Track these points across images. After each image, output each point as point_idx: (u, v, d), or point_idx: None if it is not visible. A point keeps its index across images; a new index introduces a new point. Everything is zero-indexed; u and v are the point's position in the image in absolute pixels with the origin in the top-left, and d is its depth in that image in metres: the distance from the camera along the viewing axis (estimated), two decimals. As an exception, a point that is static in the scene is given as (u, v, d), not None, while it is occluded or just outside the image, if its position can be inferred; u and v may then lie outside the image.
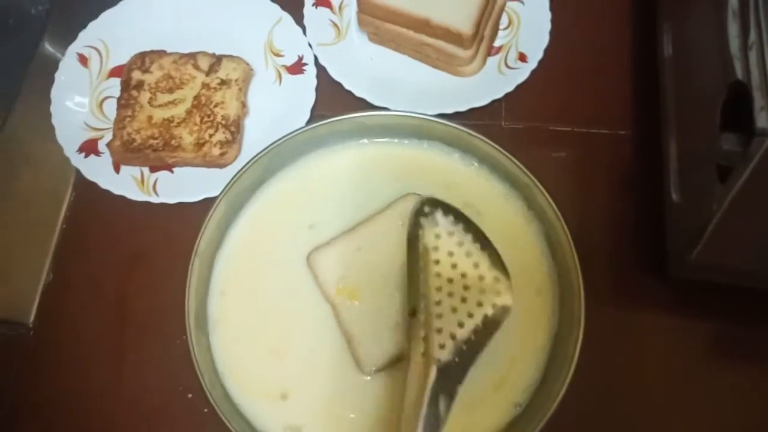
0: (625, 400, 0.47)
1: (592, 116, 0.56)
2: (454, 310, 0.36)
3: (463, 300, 0.37)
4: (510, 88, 0.55)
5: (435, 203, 0.40)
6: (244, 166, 0.48)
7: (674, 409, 0.47)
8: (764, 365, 0.49)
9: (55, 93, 0.55)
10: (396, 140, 0.52)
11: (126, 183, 0.51)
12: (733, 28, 0.40)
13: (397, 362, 0.44)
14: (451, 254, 0.39)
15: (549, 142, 0.56)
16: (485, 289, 0.38)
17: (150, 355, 0.49)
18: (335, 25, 0.59)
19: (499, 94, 0.55)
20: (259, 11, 0.59)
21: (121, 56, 0.56)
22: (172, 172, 0.53)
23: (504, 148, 0.49)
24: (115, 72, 0.56)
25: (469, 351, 0.36)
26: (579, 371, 0.41)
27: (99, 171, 0.52)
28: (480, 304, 0.37)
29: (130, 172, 0.52)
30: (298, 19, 0.59)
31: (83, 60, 0.56)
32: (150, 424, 0.47)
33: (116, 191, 0.51)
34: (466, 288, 0.38)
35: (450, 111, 0.54)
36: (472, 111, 0.55)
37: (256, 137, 0.54)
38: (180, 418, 0.47)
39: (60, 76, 0.55)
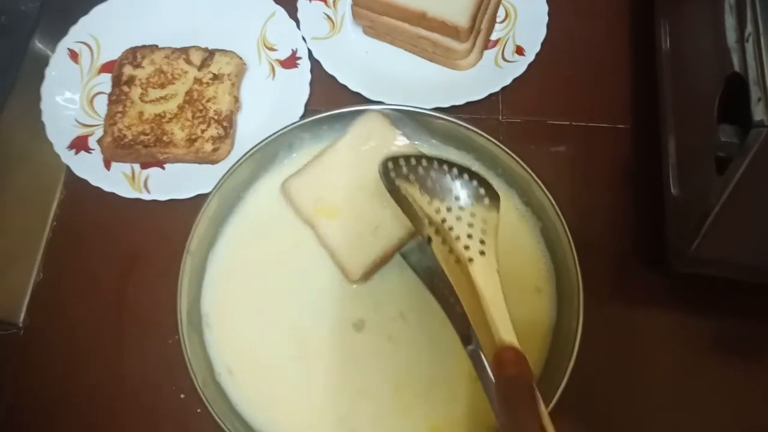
0: (626, 395, 0.47)
1: (590, 110, 0.56)
2: (458, 218, 0.39)
3: (460, 208, 0.40)
4: (507, 81, 0.55)
5: (395, 159, 0.41)
6: (237, 162, 0.47)
7: (675, 403, 0.47)
8: (765, 360, 0.49)
9: (45, 89, 0.54)
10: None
11: (117, 180, 0.51)
12: (729, 21, 0.39)
13: (383, 264, 0.47)
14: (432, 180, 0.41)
15: (547, 136, 0.55)
16: (474, 196, 0.40)
17: (144, 354, 0.48)
18: (329, 18, 0.58)
19: (496, 88, 0.54)
20: (253, 5, 0.58)
21: (113, 51, 0.55)
22: (164, 168, 0.52)
23: (501, 142, 0.49)
24: (106, 67, 0.55)
25: (489, 241, 0.38)
26: (580, 365, 0.41)
27: (89, 168, 0.51)
28: (473, 215, 0.40)
29: (121, 168, 0.51)
30: (292, 12, 0.58)
31: (74, 56, 0.55)
32: (146, 422, 0.46)
33: (107, 188, 0.50)
34: (456, 198, 0.40)
35: (446, 105, 0.53)
36: (469, 105, 0.54)
37: (249, 132, 0.53)
38: (174, 417, 0.46)
39: (50, 72, 0.54)
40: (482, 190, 0.40)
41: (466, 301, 0.37)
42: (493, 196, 0.40)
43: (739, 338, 0.49)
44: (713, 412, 0.47)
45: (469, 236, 0.38)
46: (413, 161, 0.41)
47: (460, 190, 0.40)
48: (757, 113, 0.34)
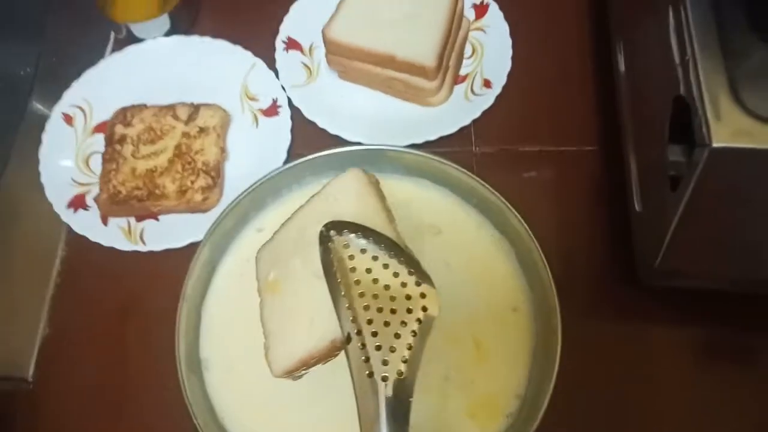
0: (611, 409, 0.49)
1: (559, 134, 0.59)
2: (386, 323, 0.37)
3: (393, 311, 0.37)
4: (477, 114, 0.58)
5: (338, 225, 0.40)
6: (225, 209, 0.50)
7: (660, 414, 0.49)
8: (745, 367, 0.50)
9: (42, 153, 0.57)
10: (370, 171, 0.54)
11: (114, 234, 0.53)
12: (674, 45, 0.42)
13: (314, 365, 0.42)
14: (369, 270, 0.39)
15: (519, 163, 0.58)
16: (411, 296, 0.38)
17: (148, 400, 0.50)
18: (306, 66, 0.62)
19: (467, 121, 0.57)
20: (234, 59, 0.61)
21: (104, 113, 0.59)
22: (158, 219, 0.55)
23: (475, 172, 0.51)
24: (99, 128, 0.59)
25: (413, 359, 0.36)
26: (564, 381, 0.42)
27: (88, 225, 0.54)
28: (410, 311, 0.38)
29: (117, 223, 0.54)
30: (271, 63, 0.61)
31: (68, 119, 0.59)
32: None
33: (105, 243, 0.53)
34: (392, 299, 0.38)
35: (420, 141, 0.56)
36: (443, 139, 0.57)
37: (237, 179, 0.56)
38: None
39: (46, 137, 0.58)
40: (420, 290, 0.38)
41: (363, 410, 0.35)
42: (431, 299, 0.38)
43: (720, 347, 0.51)
44: (700, 422, 0.48)
45: (392, 349, 0.36)
46: (360, 235, 0.39)
47: (398, 288, 0.38)
48: (699, 133, 0.37)
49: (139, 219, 0.55)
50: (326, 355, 0.41)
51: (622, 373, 0.50)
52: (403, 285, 0.38)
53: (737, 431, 0.49)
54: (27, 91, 0.65)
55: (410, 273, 0.39)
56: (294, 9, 0.63)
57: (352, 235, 0.40)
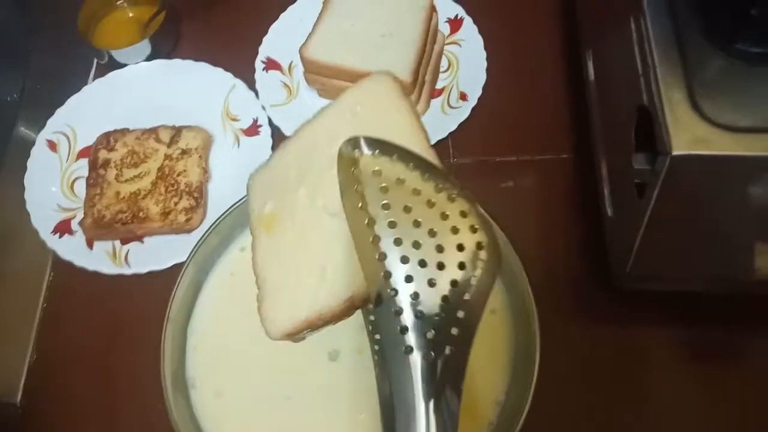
0: (593, 413, 0.49)
1: (534, 143, 0.60)
2: (431, 283, 0.27)
3: (441, 266, 0.27)
4: (453, 127, 0.59)
5: (366, 143, 0.28)
6: (207, 230, 0.51)
7: (643, 416, 0.49)
8: (725, 366, 0.51)
9: (28, 180, 0.58)
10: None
11: (99, 258, 0.54)
12: (637, 56, 0.43)
13: (322, 327, 0.32)
14: (408, 209, 0.28)
15: (497, 173, 0.59)
16: (463, 244, 0.28)
17: (136, 421, 0.51)
18: (286, 85, 0.63)
19: (444, 134, 0.59)
20: (214, 80, 0.63)
21: (88, 138, 0.60)
22: (143, 242, 0.56)
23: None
24: (83, 153, 0.60)
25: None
26: (544, 387, 0.42)
27: (73, 250, 0.54)
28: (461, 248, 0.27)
29: (103, 246, 0.55)
30: (251, 83, 0.62)
31: (52, 146, 0.60)
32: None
33: (91, 267, 0.54)
34: (442, 215, 0.28)
35: (399, 155, 0.57)
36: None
37: (219, 199, 0.57)
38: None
39: (31, 164, 0.59)
40: (483, 253, 0.28)
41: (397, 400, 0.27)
42: (493, 257, 0.28)
43: (700, 347, 0.52)
44: (681, 422, 0.49)
45: (436, 329, 0.26)
46: (396, 158, 0.28)
47: (452, 247, 0.27)
48: (660, 142, 0.38)
49: (124, 242, 0.55)
50: (340, 316, 0.31)
51: (602, 376, 0.51)
52: (454, 230, 0.28)
53: (719, 430, 0.49)
54: (12, 118, 0.66)
55: (463, 215, 0.28)
56: (273, 29, 0.65)
57: (385, 157, 0.28)
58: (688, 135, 0.37)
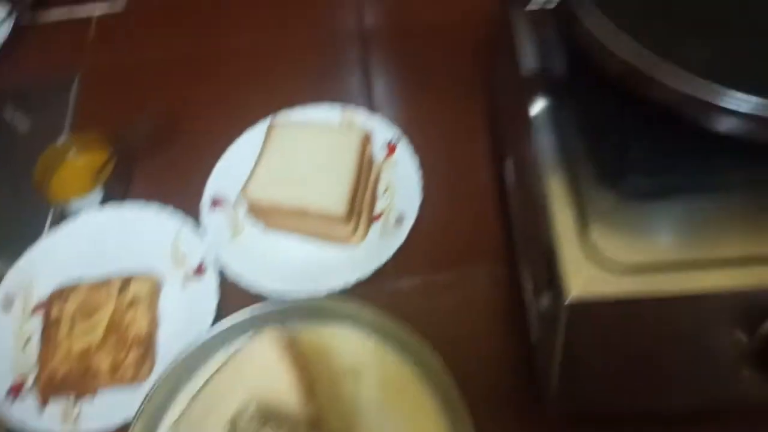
0: None
1: (472, 259, 0.61)
2: None
3: None
4: (392, 251, 0.61)
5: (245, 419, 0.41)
6: (153, 386, 0.52)
7: None
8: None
9: (-19, 344, 0.59)
10: (291, 324, 0.56)
11: (51, 419, 0.55)
12: (537, 196, 0.46)
13: None
14: None
15: (436, 292, 0.60)
16: None
17: None
18: (233, 222, 0.65)
19: (384, 259, 0.60)
20: (164, 222, 0.65)
21: (42, 293, 0.62)
22: (94, 398, 0.56)
23: (395, 306, 0.54)
24: (37, 310, 0.61)
25: None
26: None
27: (26, 413, 0.55)
28: None
29: (55, 406, 0.56)
30: (199, 222, 0.65)
31: (6, 305, 0.61)
32: None
33: (42, 429, 0.54)
34: None
35: (341, 285, 0.59)
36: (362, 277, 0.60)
37: (168, 344, 0.58)
38: None
39: (-17, 327, 0.60)
40: None
41: None
42: None
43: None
44: None
45: None
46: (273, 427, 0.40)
47: None
48: (558, 284, 0.39)
49: (76, 399, 0.56)
50: None
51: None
52: None
53: None
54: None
55: None
56: (218, 167, 0.68)
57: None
58: (584, 278, 0.39)
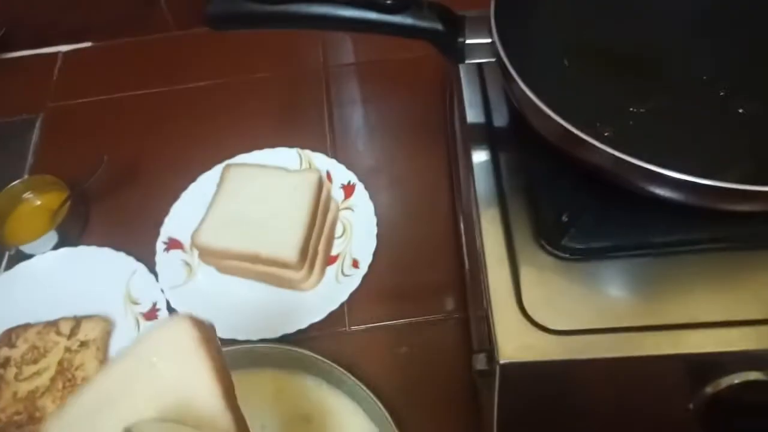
0: None
1: (426, 305, 0.61)
2: None
3: None
4: (345, 296, 0.61)
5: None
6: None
7: None
8: None
9: (-73, 388, 0.58)
10: (240, 370, 0.56)
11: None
12: (479, 253, 0.45)
13: None
14: None
15: (391, 338, 0.60)
16: None
17: None
18: (187, 263, 0.65)
19: (338, 304, 0.60)
20: (117, 265, 0.65)
21: (-8, 335, 0.61)
22: (38, 444, 0.56)
23: (349, 353, 0.54)
24: (-15, 353, 0.61)
25: None
26: None
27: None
28: None
29: (-3, 453, 0.55)
30: (153, 265, 0.65)
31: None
32: None
33: (-18, 478, 0.53)
34: None
35: (293, 330, 0.59)
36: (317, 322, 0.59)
37: (118, 391, 0.58)
38: None
39: (-67, 369, 0.59)
40: None
41: None
42: None
43: None
44: None
45: None
46: None
47: None
48: (490, 347, 0.39)
49: (21, 445, 0.55)
50: None
51: None
52: None
53: None
54: None
55: None
56: (174, 210, 0.68)
57: None
58: (516, 341, 0.38)
